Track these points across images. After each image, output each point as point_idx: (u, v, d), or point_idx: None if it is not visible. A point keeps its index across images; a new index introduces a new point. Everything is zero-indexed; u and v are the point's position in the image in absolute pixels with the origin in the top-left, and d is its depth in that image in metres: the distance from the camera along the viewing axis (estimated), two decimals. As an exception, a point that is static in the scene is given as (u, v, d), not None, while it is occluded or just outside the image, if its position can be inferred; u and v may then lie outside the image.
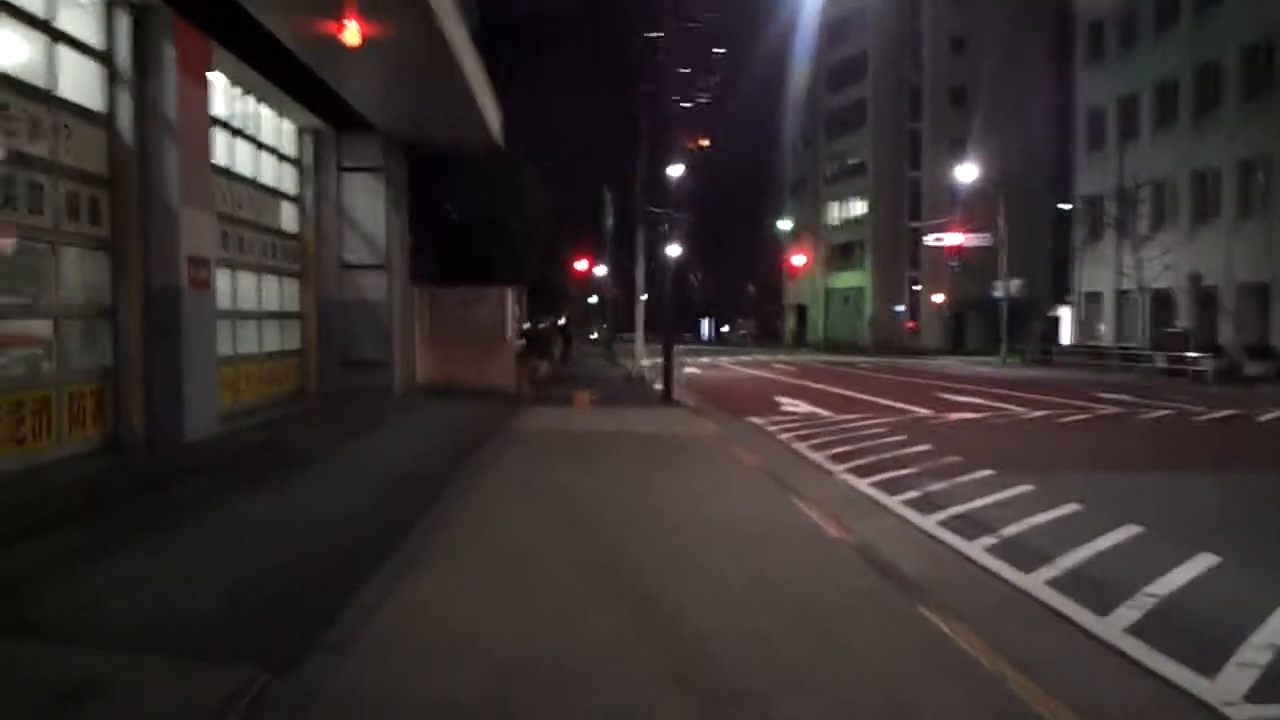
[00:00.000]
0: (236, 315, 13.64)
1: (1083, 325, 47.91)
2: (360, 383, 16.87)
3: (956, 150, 64.96)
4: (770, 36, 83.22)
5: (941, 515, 8.73)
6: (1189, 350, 35.77)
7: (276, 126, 15.86)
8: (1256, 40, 36.56)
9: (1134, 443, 14.60)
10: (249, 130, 14.46)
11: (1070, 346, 47.46)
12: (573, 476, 9.84)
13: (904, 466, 11.46)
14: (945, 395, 22.65)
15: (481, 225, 20.69)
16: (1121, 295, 42.39)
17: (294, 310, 16.40)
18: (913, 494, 9.76)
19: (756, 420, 16.79)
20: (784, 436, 14.51)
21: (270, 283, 15.26)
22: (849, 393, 23.49)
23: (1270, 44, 35.80)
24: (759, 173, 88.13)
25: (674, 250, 68.32)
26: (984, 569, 6.97)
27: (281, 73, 14.17)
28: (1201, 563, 6.97)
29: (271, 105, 15.41)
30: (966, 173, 54.29)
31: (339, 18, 10.33)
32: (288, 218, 16.23)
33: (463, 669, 4.60)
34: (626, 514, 8.07)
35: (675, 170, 36.17)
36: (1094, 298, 47.54)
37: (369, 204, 17.19)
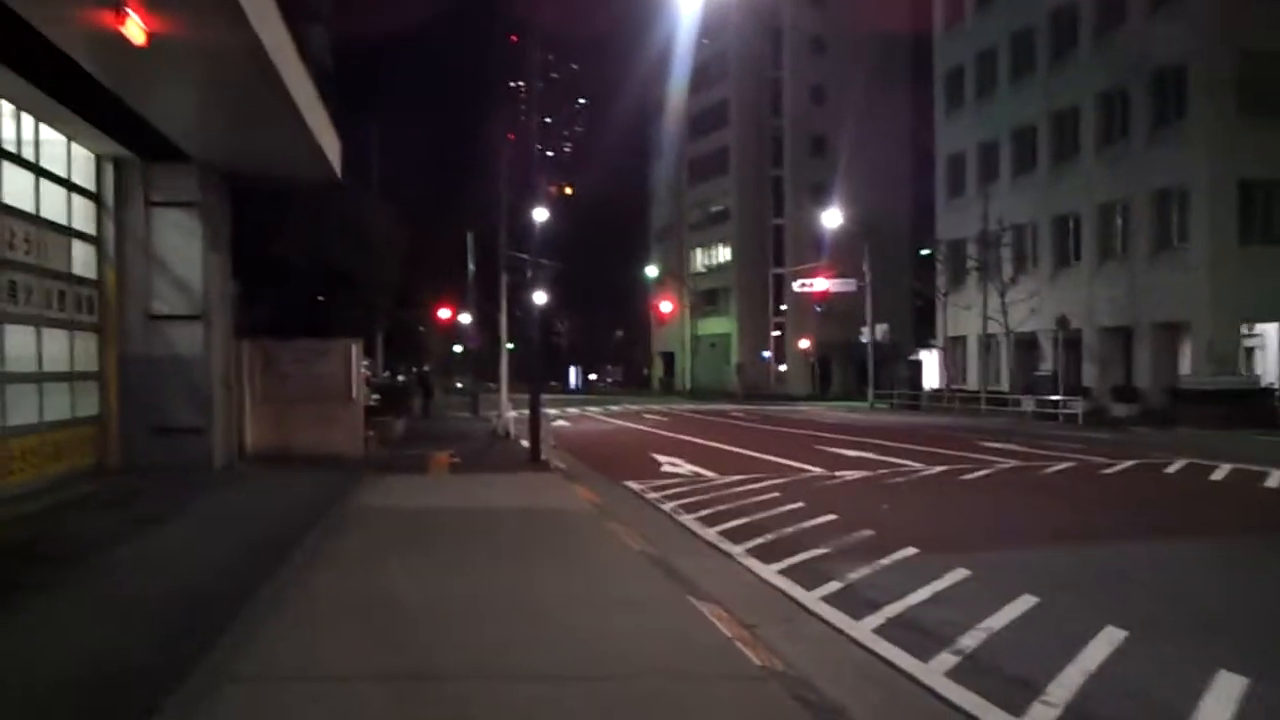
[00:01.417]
0: (2, 378, 11.12)
1: (949, 370, 47.99)
2: (173, 454, 14.35)
3: (818, 197, 65.45)
4: (635, 84, 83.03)
5: (876, 618, 7.06)
6: (1057, 394, 35.80)
7: (67, 153, 13.40)
8: (1110, 88, 37.30)
9: (1054, 505, 13.31)
10: (24, 155, 12.01)
11: (937, 391, 47.44)
12: (414, 583, 7.77)
13: (813, 544, 9.81)
14: (830, 449, 21.33)
15: (322, 270, 18.44)
16: (986, 339, 42.50)
17: (89, 370, 13.83)
18: (833, 585, 8.08)
19: (635, 485, 14.99)
20: (668, 506, 12.74)
21: (56, 338, 12.72)
22: (729, 448, 21.97)
23: (1124, 91, 36.53)
24: (625, 219, 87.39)
25: (540, 297, 66.62)
26: (957, 709, 5.28)
27: (68, 88, 11.83)
28: (1233, 685, 5.44)
29: (59, 128, 12.98)
30: (831, 218, 54.39)
31: (117, 4, 8.19)
32: (81, 260, 13.73)
33: None
34: (478, 652, 6.05)
35: (540, 215, 34.45)
36: (958, 342, 47.74)
37: (183, 245, 14.78)
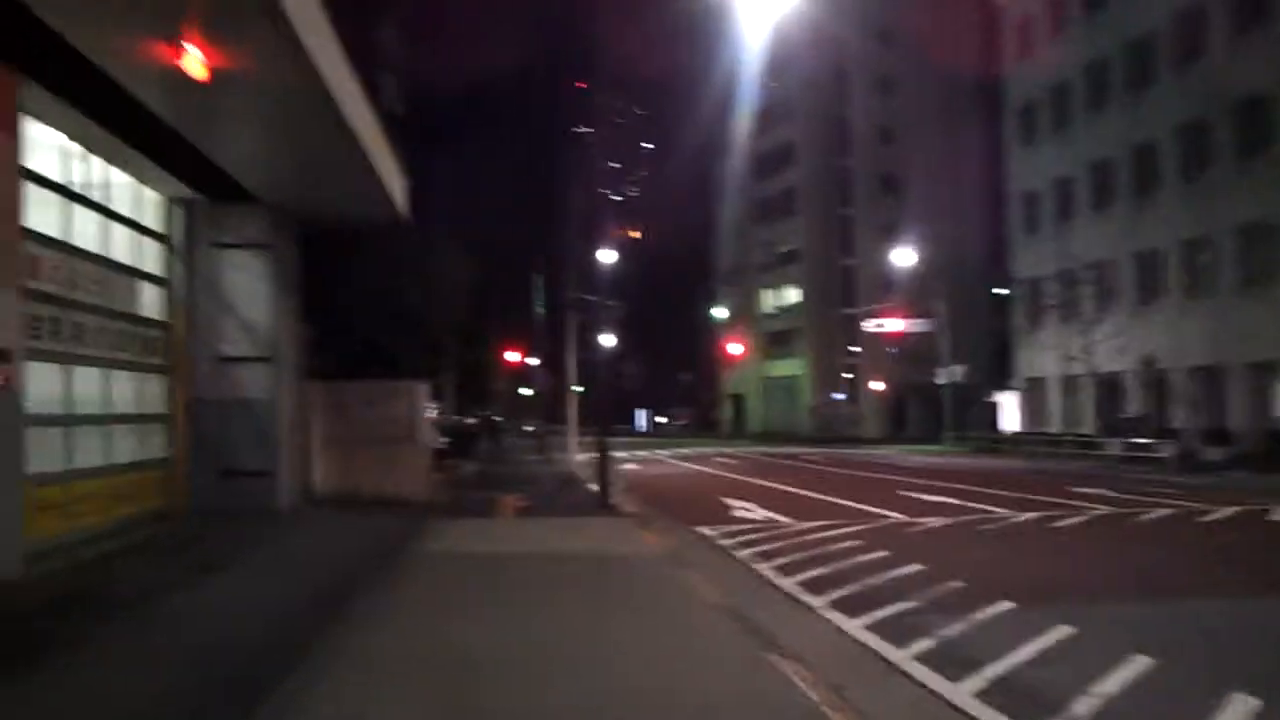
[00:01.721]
0: (69, 420, 11.03)
1: (1030, 412, 46.59)
2: (241, 498, 14.18)
3: (888, 236, 64.48)
4: (701, 127, 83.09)
5: (977, 680, 6.45)
6: (1146, 436, 34.38)
7: (136, 195, 13.43)
8: (1190, 119, 36.15)
9: (1156, 556, 12.42)
10: (94, 197, 12.02)
11: (1016, 434, 46.03)
12: (481, 634, 7.35)
13: (899, 597, 9.19)
14: (909, 493, 20.53)
15: (391, 312, 18.32)
16: (1066, 380, 41.15)
17: (157, 412, 13.75)
18: (926, 643, 7.47)
19: (707, 531, 14.45)
20: (743, 554, 12.17)
21: (124, 380, 12.65)
22: (803, 491, 21.28)
23: (1205, 122, 35.36)
24: (692, 262, 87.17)
25: (607, 339, 66.57)
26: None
27: (137, 131, 11.85)
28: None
29: (129, 170, 13.01)
30: (904, 257, 53.37)
31: (173, 38, 8.07)
32: (150, 302, 13.71)
33: None
34: (543, 716, 5.60)
35: (607, 257, 34.38)
36: (1037, 383, 46.34)
37: (252, 287, 14.72)
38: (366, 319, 18.34)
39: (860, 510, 16.98)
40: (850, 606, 8.84)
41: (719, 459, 38.24)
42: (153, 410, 13.62)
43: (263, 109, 11.17)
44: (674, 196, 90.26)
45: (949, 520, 15.38)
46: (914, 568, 10.77)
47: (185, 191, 14.18)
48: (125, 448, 12.66)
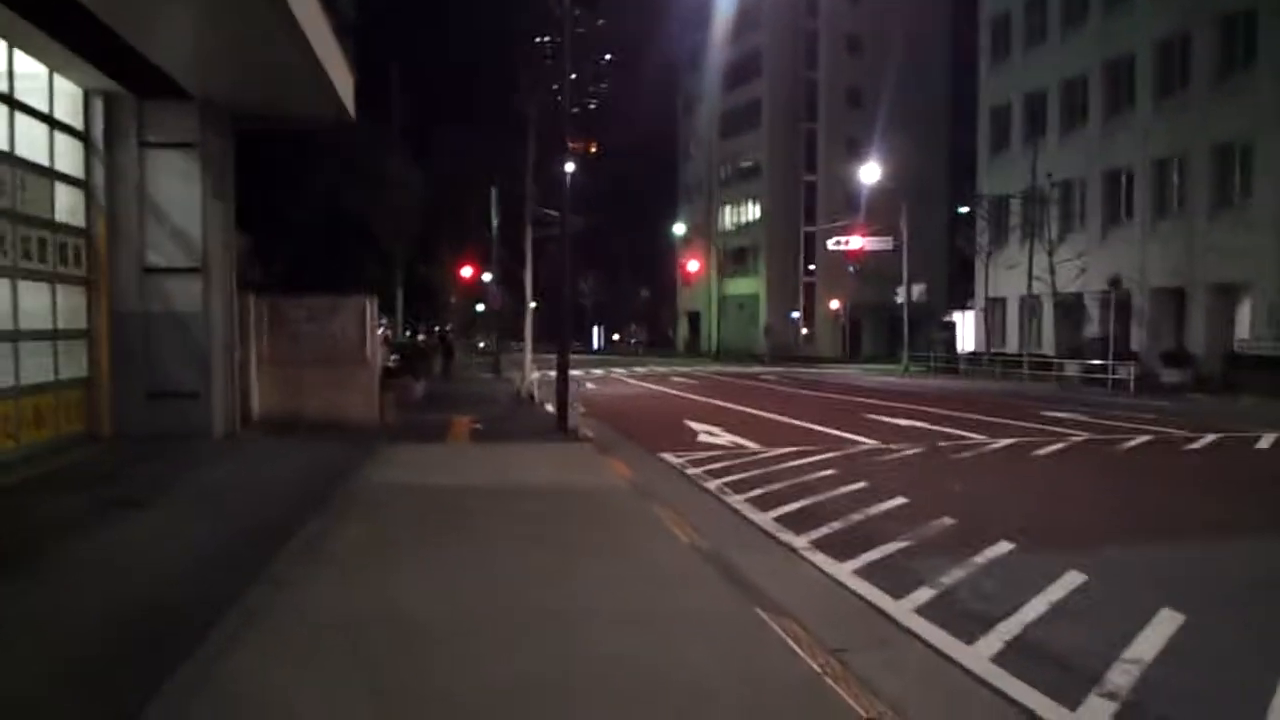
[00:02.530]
0: (-33, 337, 9.91)
1: (988, 332, 46.34)
2: (170, 420, 13.15)
3: (853, 152, 63.43)
4: (665, 37, 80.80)
5: (992, 640, 5.74)
6: (1108, 358, 34.13)
7: (48, 87, 12.07)
8: (1170, 35, 35.25)
9: (1152, 488, 11.76)
10: (4, 89, 10.71)
11: (975, 354, 45.79)
12: (430, 590, 6.48)
13: (887, 536, 8.47)
14: (878, 417, 19.92)
15: (337, 220, 17.09)
16: (1026, 300, 40.73)
17: (75, 328, 12.60)
18: (926, 592, 6.76)
19: (673, 458, 13.67)
20: (713, 484, 11.41)
21: (35, 291, 11.46)
22: (768, 415, 20.60)
23: (1185, 38, 34.49)
24: (653, 177, 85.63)
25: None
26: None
27: (47, 11, 10.53)
28: None
29: (39, 57, 11.65)
30: (868, 173, 52.34)
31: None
32: (66, 206, 12.44)
33: None
34: (504, 694, 4.76)
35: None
36: (997, 303, 45.94)
37: (182, 190, 13.45)
38: (309, 227, 17.08)
39: (829, 435, 16.30)
40: (836, 548, 8.10)
41: (677, 378, 37.54)
42: (70, 325, 12.47)
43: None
44: (636, 111, 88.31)
45: (922, 447, 14.73)
46: (897, 501, 10.07)
47: (106, 83, 12.82)
48: (39, 366, 11.54)
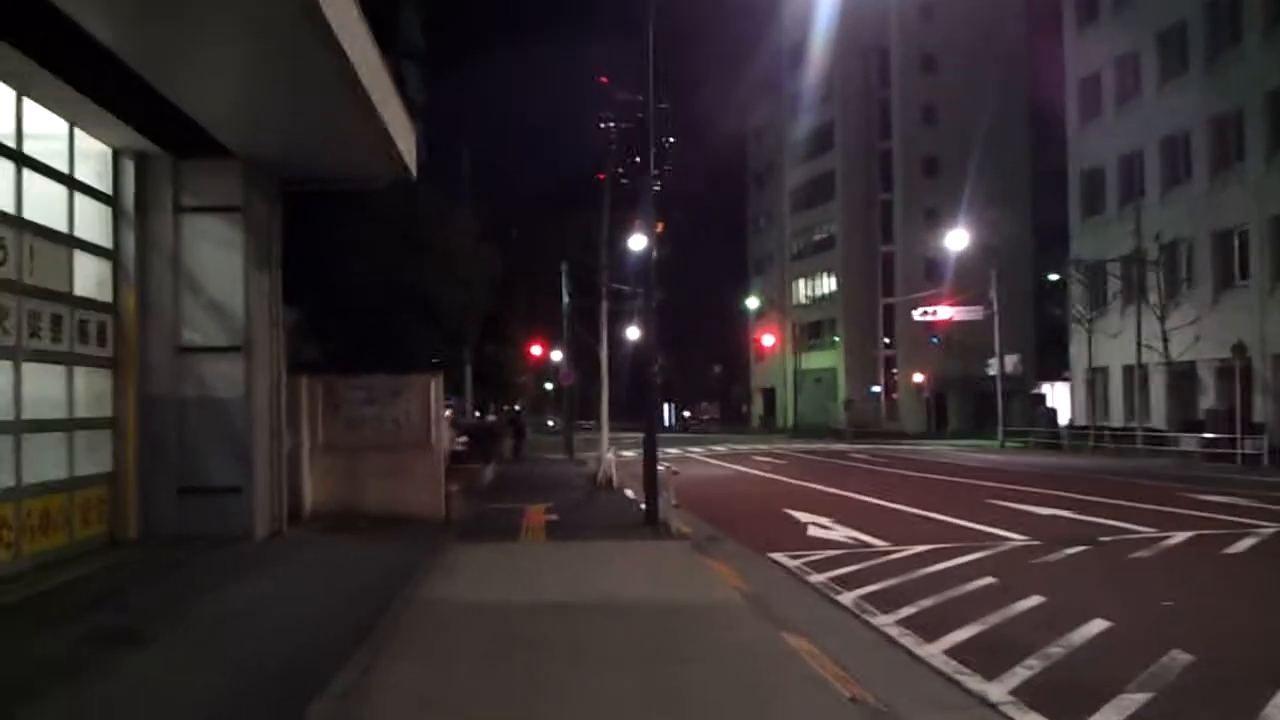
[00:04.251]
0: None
1: (1088, 404, 43.35)
2: (207, 520, 11.41)
3: (931, 222, 61.31)
4: (733, 112, 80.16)
5: None
6: (1233, 431, 31.13)
7: (73, 146, 10.65)
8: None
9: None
10: (15, 146, 9.27)
11: (1075, 428, 42.80)
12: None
13: (1110, 681, 6.27)
14: (1005, 503, 17.55)
15: (400, 294, 15.49)
16: (1139, 370, 37.83)
17: (97, 416, 10.98)
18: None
19: (787, 560, 11.54)
20: (847, 598, 9.25)
21: (44, 375, 9.86)
22: (876, 500, 18.35)
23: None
24: (723, 251, 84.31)
25: (634, 332, 63.75)
26: None
27: (74, 63, 9.15)
28: None
29: (62, 112, 10.26)
30: (957, 240, 50.10)
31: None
32: (89, 278, 10.93)
33: None
34: None
35: (639, 243, 31.45)
36: (1098, 373, 43.02)
37: (222, 260, 11.88)
38: (369, 302, 15.47)
39: (963, 529, 14.02)
40: (1049, 700, 5.94)
41: (758, 457, 35.35)
42: (91, 413, 10.84)
43: (237, 35, 8.46)
44: (705, 186, 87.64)
45: (1084, 544, 12.35)
46: (1096, 625, 7.82)
47: (138, 141, 11.38)
48: (48, 461, 9.88)
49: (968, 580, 9.85)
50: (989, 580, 9.87)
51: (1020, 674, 6.58)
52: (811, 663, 6.69)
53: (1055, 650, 7.14)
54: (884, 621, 8.26)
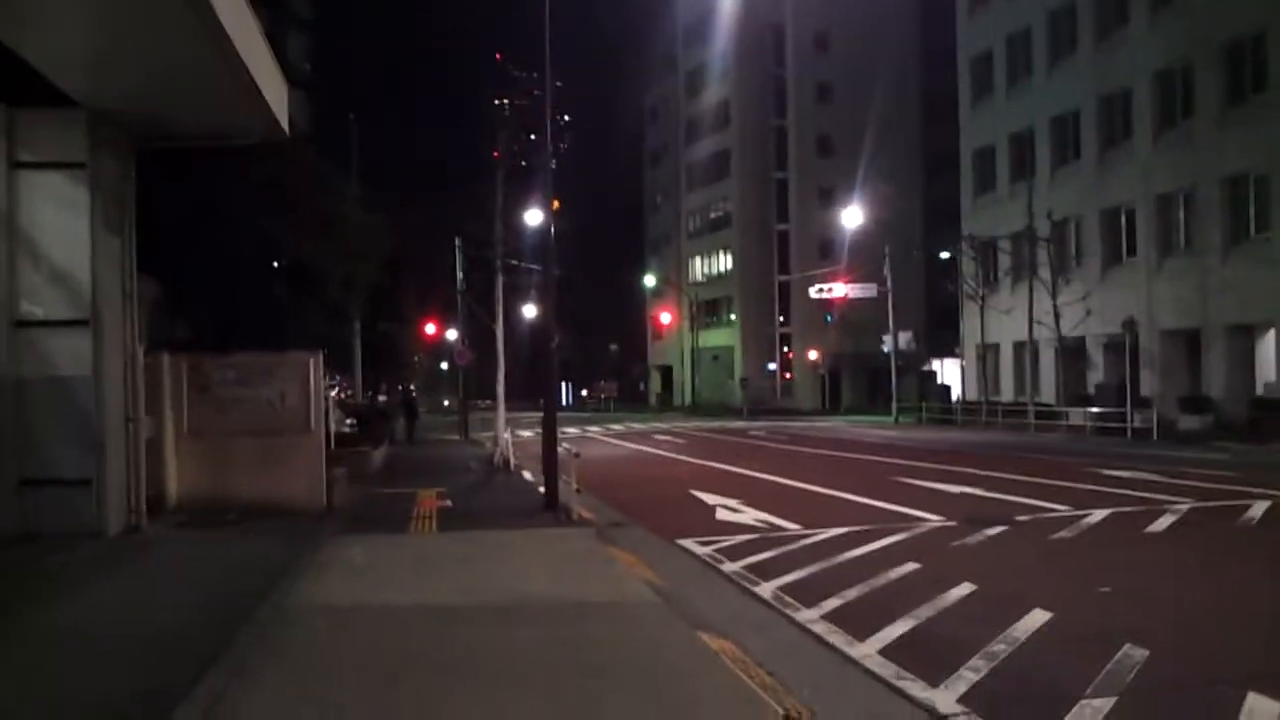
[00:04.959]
0: None
1: (979, 380, 44.00)
2: (51, 515, 10.12)
3: (826, 201, 61.56)
4: (628, 89, 79.31)
5: None
6: (1123, 405, 31.74)
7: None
8: (1170, 65, 33.47)
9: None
10: None
11: (970, 403, 43.37)
12: None
13: (1069, 685, 5.68)
14: (911, 480, 17.23)
15: (274, 264, 14.18)
16: (1031, 345, 38.41)
17: (-84, 399, 9.62)
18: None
19: (696, 547, 10.82)
20: (766, 590, 8.54)
21: None
22: (783, 480, 17.83)
23: (1188, 67, 32.71)
24: (618, 229, 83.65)
25: (530, 310, 62.38)
26: None
27: None
28: None
29: None
30: (851, 217, 50.30)
31: None
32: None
33: None
34: None
35: (535, 218, 30.41)
36: (990, 349, 43.63)
37: (65, 224, 10.50)
38: (242, 272, 14.15)
39: (875, 509, 13.52)
40: (1011, 711, 5.30)
41: (659, 436, 34.80)
42: (-92, 396, 9.46)
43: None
44: (599, 165, 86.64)
45: (1002, 525, 11.90)
46: (1037, 617, 7.26)
47: (-38, 87, 9.96)
48: None
49: (890, 566, 9.25)
50: (913, 566, 9.29)
51: (966, 677, 5.94)
52: (736, 669, 5.95)
53: (999, 648, 6.53)
54: (808, 617, 7.57)
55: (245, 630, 6.76)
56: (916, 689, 5.77)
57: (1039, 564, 9.66)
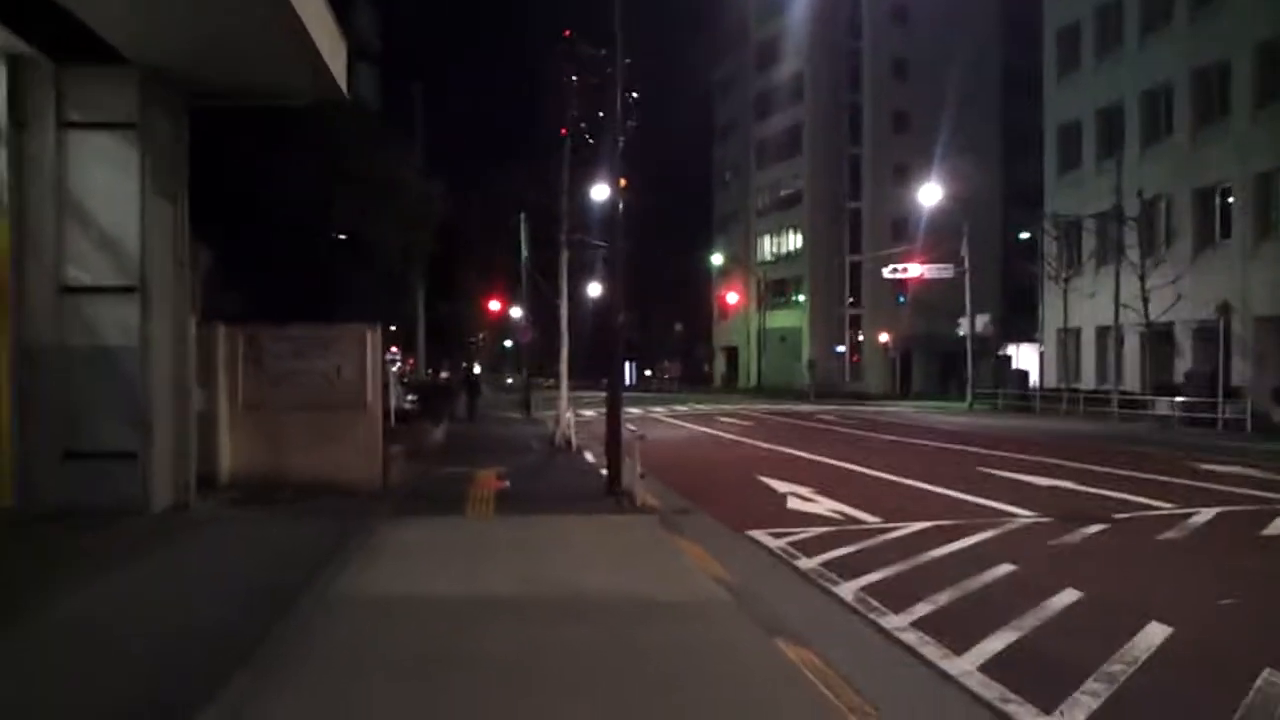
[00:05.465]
0: None
1: (1058, 366, 42.41)
2: (95, 489, 9.77)
3: (900, 179, 59.93)
4: (698, 64, 78.02)
5: None
6: (1215, 395, 30.16)
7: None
8: (1271, 37, 31.61)
9: None
10: None
11: (1048, 390, 41.84)
12: None
13: (1194, 716, 4.89)
14: (996, 471, 16.29)
15: (330, 232, 13.73)
16: (1115, 331, 36.80)
17: (-42, 367, 9.31)
18: None
19: (768, 539, 10.12)
20: (846, 591, 7.82)
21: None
22: (857, 468, 17.02)
23: (1284, 39, 30.87)
24: (686, 207, 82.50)
25: (596, 289, 61.80)
26: None
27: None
28: None
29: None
30: (929, 194, 48.71)
31: None
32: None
33: None
34: None
35: (602, 194, 29.78)
36: (1070, 335, 42.04)
37: (114, 186, 10.12)
38: (297, 240, 13.71)
39: (958, 501, 12.69)
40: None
41: (724, 418, 34.02)
42: (-50, 363, 9.13)
43: None
44: (669, 138, 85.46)
45: (1101, 523, 11.00)
46: (1154, 631, 6.45)
47: (10, 42, 9.57)
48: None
49: (983, 568, 8.46)
50: (1008, 568, 8.48)
51: (1084, 703, 5.18)
52: (820, 685, 5.26)
53: (1116, 668, 5.74)
54: (897, 624, 6.84)
55: (281, 625, 6.22)
56: (1027, 715, 5.03)
57: (1147, 569, 8.78)
